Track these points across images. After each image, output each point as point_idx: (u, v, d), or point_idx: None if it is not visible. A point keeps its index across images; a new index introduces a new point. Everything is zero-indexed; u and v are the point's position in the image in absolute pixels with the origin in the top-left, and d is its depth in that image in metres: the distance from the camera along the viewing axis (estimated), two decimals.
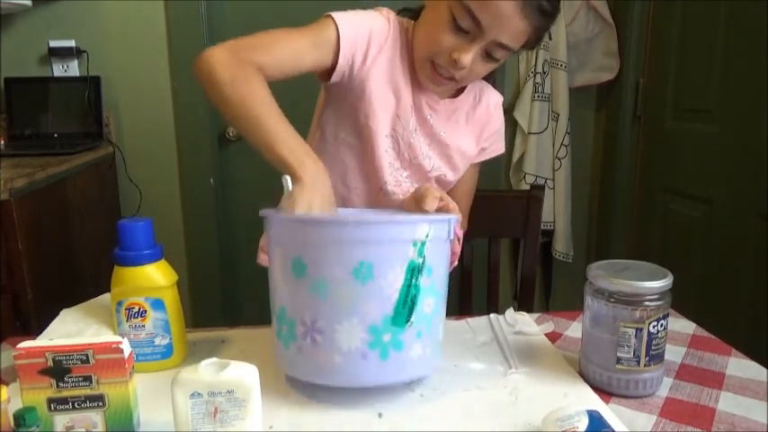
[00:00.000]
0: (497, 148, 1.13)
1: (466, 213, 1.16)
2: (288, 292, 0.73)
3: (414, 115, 1.01)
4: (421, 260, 0.70)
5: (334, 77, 0.93)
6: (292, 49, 0.89)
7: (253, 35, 0.88)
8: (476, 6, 0.84)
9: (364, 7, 0.97)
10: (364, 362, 0.70)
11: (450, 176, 1.08)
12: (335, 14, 0.91)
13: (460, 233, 0.77)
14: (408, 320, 0.71)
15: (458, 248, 0.81)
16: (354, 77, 0.95)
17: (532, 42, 0.91)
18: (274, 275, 0.75)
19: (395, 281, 0.69)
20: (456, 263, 0.81)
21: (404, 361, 0.72)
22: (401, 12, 1.03)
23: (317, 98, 1.08)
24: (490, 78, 1.08)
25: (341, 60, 0.91)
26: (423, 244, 0.70)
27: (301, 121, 1.09)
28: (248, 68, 0.83)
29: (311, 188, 0.77)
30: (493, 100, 1.09)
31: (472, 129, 1.07)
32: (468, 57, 0.88)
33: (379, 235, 0.70)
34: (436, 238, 0.71)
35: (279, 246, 0.74)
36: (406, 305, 0.70)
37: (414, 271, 0.70)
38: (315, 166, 0.79)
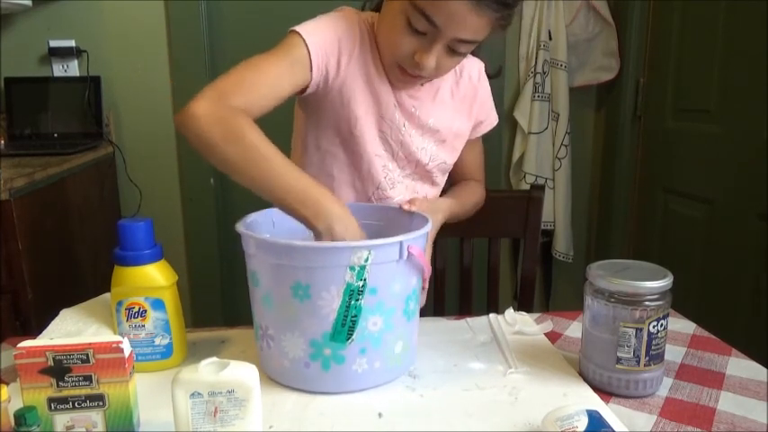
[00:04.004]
0: (492, 119, 1.11)
1: (482, 181, 1.17)
2: (252, 297, 0.78)
3: (399, 111, 0.99)
4: (361, 283, 0.70)
5: (309, 90, 0.92)
6: (271, 81, 0.86)
7: (228, 75, 0.84)
8: (428, 8, 0.81)
9: (352, 5, 0.96)
10: (307, 370, 0.74)
11: (450, 161, 1.08)
12: (301, 29, 0.88)
13: (416, 250, 0.74)
14: (349, 338, 0.72)
15: (428, 266, 0.78)
16: (330, 87, 0.93)
17: (499, 30, 0.87)
18: (247, 280, 0.80)
19: (332, 301, 0.70)
20: (428, 276, 0.79)
21: (347, 374, 0.74)
22: (366, 4, 1.01)
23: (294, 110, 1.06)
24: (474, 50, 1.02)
25: (314, 74, 0.89)
26: (362, 268, 0.69)
27: (284, 132, 1.09)
28: (236, 118, 0.79)
29: (329, 238, 0.75)
30: (475, 69, 1.06)
31: (460, 104, 1.05)
32: (430, 59, 0.86)
33: (312, 260, 0.70)
34: (382, 261, 0.70)
35: (246, 255, 0.78)
36: (346, 324, 0.71)
37: (352, 293, 0.70)
38: (327, 211, 0.75)
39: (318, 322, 0.71)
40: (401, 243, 0.72)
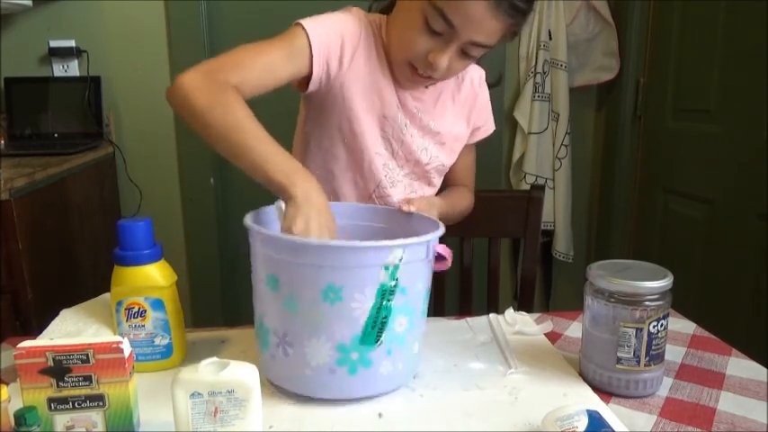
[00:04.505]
0: (489, 126, 1.12)
1: (472, 188, 1.17)
2: (264, 302, 0.75)
3: (401, 111, 0.99)
4: (393, 282, 0.69)
5: (312, 86, 0.92)
6: (266, 64, 0.87)
7: (225, 54, 0.85)
8: (447, 8, 0.83)
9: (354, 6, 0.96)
10: (332, 376, 0.71)
11: (447, 163, 1.08)
12: (305, 22, 0.89)
13: (447, 253, 0.75)
14: (378, 340, 0.71)
15: (445, 264, 0.79)
16: (332, 84, 0.94)
17: (509, 37, 0.90)
18: (255, 283, 0.77)
19: (365, 302, 0.69)
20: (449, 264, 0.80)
21: (373, 377, 0.73)
22: (373, 4, 1.02)
23: (299, 108, 1.06)
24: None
25: (315, 69, 0.90)
26: (396, 267, 0.69)
27: (285, 132, 1.09)
28: (225, 91, 0.80)
29: (306, 205, 0.74)
30: (476, 75, 1.08)
31: (460, 109, 1.06)
32: (444, 59, 0.87)
33: (348, 260, 0.68)
34: (412, 260, 0.70)
35: (257, 257, 0.75)
36: (376, 326, 0.70)
37: (385, 293, 0.69)
38: (305, 181, 0.76)
39: (347, 325, 0.69)
40: (428, 242, 0.72)
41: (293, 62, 0.89)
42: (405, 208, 0.87)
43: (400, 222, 0.88)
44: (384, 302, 0.69)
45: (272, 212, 0.84)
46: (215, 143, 0.80)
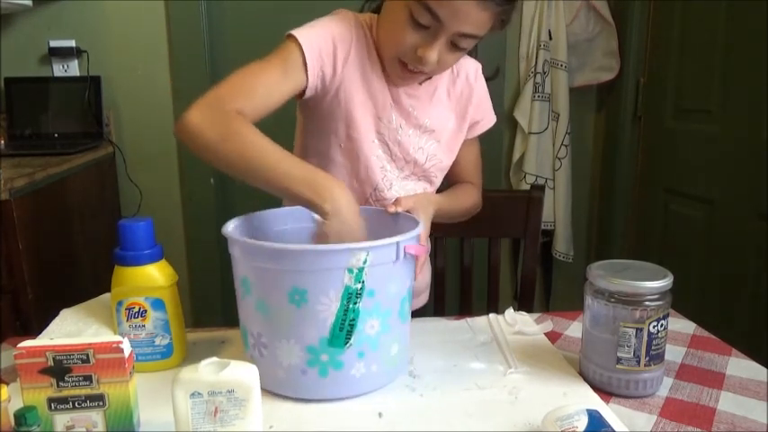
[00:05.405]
0: (489, 119, 1.11)
1: (478, 185, 1.16)
2: (241, 304, 0.77)
3: (395, 111, 0.99)
4: (359, 285, 0.69)
5: (308, 93, 0.92)
6: (265, 87, 0.87)
7: (223, 83, 0.85)
8: (432, 2, 0.83)
9: (353, 6, 0.96)
10: (304, 377, 0.72)
11: (447, 160, 1.08)
12: (296, 32, 0.89)
13: (419, 251, 0.74)
14: (347, 342, 0.71)
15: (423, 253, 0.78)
16: (328, 89, 0.94)
17: (498, 27, 0.89)
18: (235, 287, 0.77)
19: (330, 305, 0.69)
20: (424, 259, 0.79)
21: (345, 378, 0.73)
22: (365, 4, 1.02)
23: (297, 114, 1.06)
24: (471, 52, 1.03)
25: (311, 78, 0.90)
26: (360, 270, 0.69)
27: (286, 137, 1.09)
28: (232, 119, 0.81)
29: (337, 221, 0.75)
30: (471, 69, 1.07)
31: (455, 105, 1.06)
32: (433, 53, 0.87)
33: (310, 263, 0.69)
34: (379, 263, 0.70)
35: (234, 261, 0.76)
36: (344, 328, 0.70)
37: (351, 296, 0.69)
38: (334, 194, 0.76)
39: (316, 328, 0.70)
40: (398, 244, 0.71)
41: (290, 78, 0.89)
42: (390, 209, 0.86)
43: (387, 223, 0.87)
44: (351, 305, 0.70)
45: (260, 217, 0.85)
46: (233, 172, 0.81)
